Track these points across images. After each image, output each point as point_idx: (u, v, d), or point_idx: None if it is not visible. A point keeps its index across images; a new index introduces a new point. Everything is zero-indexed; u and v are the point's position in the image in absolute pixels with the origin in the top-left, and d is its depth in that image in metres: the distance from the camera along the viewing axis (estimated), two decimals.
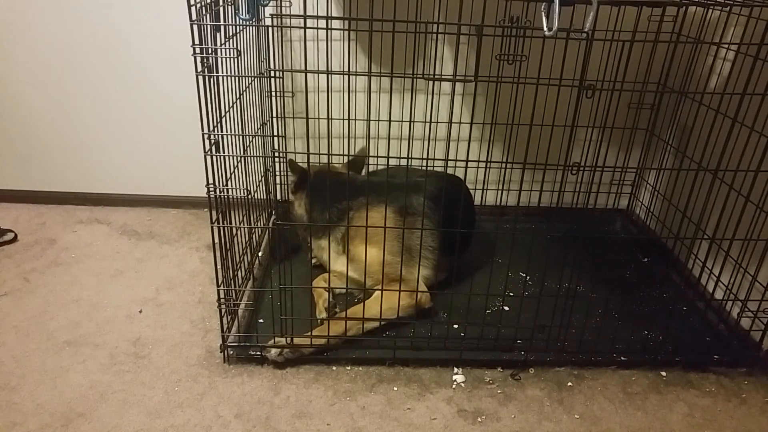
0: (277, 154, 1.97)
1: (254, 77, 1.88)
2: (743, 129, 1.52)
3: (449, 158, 1.44)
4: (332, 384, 1.53)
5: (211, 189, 1.42)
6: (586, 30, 1.22)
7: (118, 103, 2.28)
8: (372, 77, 1.39)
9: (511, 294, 1.87)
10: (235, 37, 1.48)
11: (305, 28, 1.44)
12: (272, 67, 2.06)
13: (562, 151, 1.44)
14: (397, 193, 1.76)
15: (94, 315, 1.76)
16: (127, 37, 2.16)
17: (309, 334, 1.56)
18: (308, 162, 1.43)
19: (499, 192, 2.29)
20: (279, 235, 1.99)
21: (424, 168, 2.01)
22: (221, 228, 1.49)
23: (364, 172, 2.06)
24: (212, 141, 1.39)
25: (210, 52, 1.33)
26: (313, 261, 1.97)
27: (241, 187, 1.62)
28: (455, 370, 1.59)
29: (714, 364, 1.65)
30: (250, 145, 1.76)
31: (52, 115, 2.30)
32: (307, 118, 1.37)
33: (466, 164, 1.47)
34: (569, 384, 1.57)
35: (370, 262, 1.60)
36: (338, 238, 1.80)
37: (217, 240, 1.49)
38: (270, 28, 2.00)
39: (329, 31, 1.96)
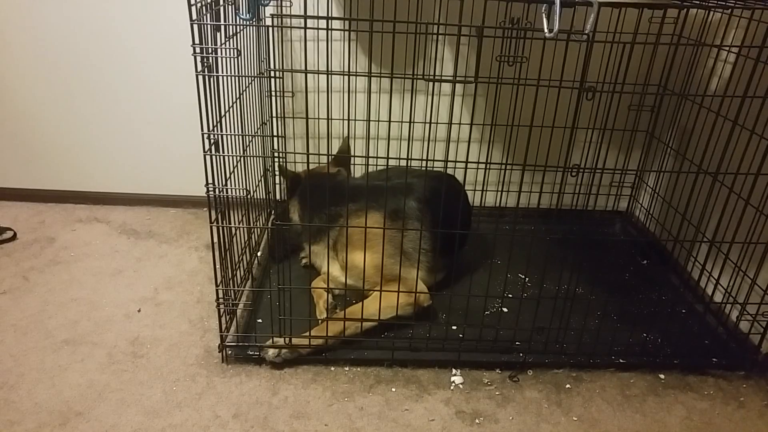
0: (276, 155, 1.97)
1: (254, 77, 1.87)
2: (743, 132, 1.52)
3: (449, 159, 1.44)
4: (330, 385, 1.52)
5: (211, 189, 1.42)
6: (586, 32, 1.22)
7: (118, 102, 2.27)
8: (372, 78, 1.39)
9: (510, 295, 1.86)
10: (235, 37, 1.48)
11: (305, 28, 1.43)
12: (272, 67, 2.06)
13: (561, 152, 1.44)
14: (389, 196, 1.74)
15: (92, 314, 1.76)
16: (126, 36, 2.16)
17: (307, 334, 1.56)
18: (308, 162, 1.43)
19: (499, 193, 2.29)
20: (278, 235, 1.99)
21: (418, 168, 2.00)
22: (220, 228, 1.49)
23: (363, 171, 2.06)
24: (212, 141, 1.39)
25: (210, 51, 1.33)
26: (303, 261, 1.98)
27: (241, 187, 1.62)
28: (453, 371, 1.59)
29: (712, 367, 1.64)
30: (249, 145, 1.76)
31: (51, 113, 2.30)
32: (307, 119, 1.37)
33: (466, 165, 1.46)
34: (567, 386, 1.56)
35: (364, 267, 1.59)
36: (331, 244, 1.79)
37: (216, 240, 1.49)
38: (270, 28, 2.00)
39: (329, 31, 1.97)
